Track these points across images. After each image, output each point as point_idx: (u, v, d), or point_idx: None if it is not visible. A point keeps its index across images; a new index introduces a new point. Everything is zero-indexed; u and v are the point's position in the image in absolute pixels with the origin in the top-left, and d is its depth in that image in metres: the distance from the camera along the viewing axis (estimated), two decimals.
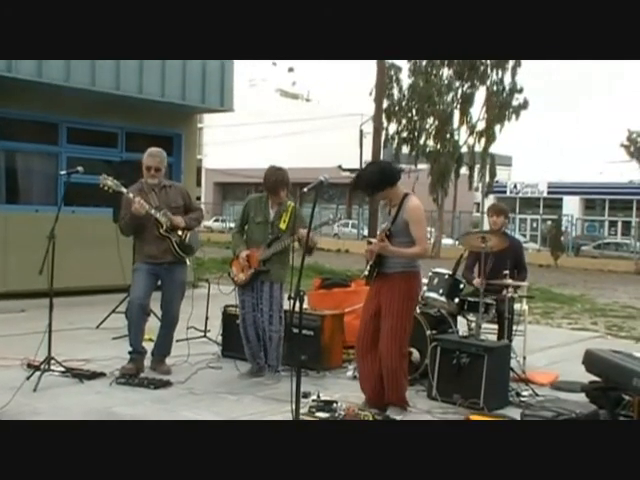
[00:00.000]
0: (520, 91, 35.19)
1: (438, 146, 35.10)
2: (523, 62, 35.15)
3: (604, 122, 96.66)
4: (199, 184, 47.71)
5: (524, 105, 35.58)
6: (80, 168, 6.63)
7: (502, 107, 35.13)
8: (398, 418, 5.52)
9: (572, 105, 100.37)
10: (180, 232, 6.63)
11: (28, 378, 5.99)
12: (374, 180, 5.63)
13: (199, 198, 50.02)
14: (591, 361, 5.85)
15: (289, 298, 4.62)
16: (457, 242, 22.76)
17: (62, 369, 6.31)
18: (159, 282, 6.71)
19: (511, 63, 34.90)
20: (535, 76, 39.83)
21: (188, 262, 6.81)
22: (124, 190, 6.47)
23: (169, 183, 6.91)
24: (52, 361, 6.24)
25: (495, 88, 35.16)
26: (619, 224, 43.31)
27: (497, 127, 35.58)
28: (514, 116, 35.57)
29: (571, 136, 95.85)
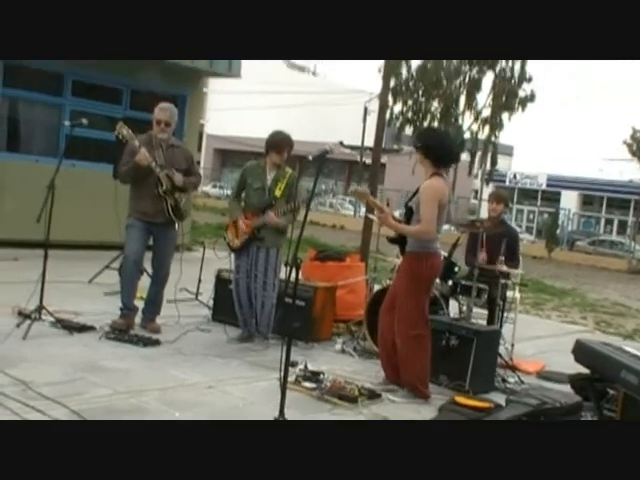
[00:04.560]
0: (529, 80, 35.03)
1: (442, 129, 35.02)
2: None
3: (605, 118, 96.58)
4: (200, 149, 47.47)
5: (531, 98, 35.46)
6: (84, 120, 6.56)
7: (509, 96, 35.01)
8: (397, 400, 5.49)
9: (577, 99, 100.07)
10: (177, 195, 6.60)
11: (18, 325, 5.99)
12: (434, 143, 5.59)
13: (199, 163, 49.76)
14: (580, 351, 5.85)
15: (286, 265, 4.61)
16: (452, 228, 22.67)
17: (52, 319, 6.31)
18: (151, 241, 6.71)
19: None
20: (543, 67, 39.62)
21: (177, 226, 6.77)
22: (136, 143, 6.38)
23: (177, 143, 6.85)
24: (43, 311, 6.24)
25: (503, 75, 35.02)
26: (615, 222, 43.43)
27: (505, 116, 35.48)
28: (520, 107, 35.47)
29: (573, 130, 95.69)
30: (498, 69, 35.14)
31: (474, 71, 35.52)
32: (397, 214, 5.82)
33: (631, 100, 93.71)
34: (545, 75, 75.65)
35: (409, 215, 5.59)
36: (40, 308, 6.21)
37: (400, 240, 5.67)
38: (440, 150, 5.57)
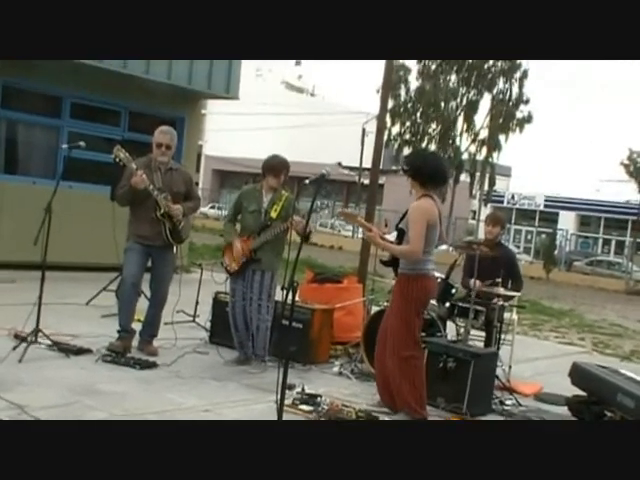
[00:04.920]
0: (526, 102, 35.25)
1: (440, 151, 35.16)
2: (530, 74, 35.21)
3: (603, 137, 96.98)
4: (198, 170, 47.54)
5: (528, 119, 35.66)
6: (82, 143, 6.63)
7: (506, 117, 35.22)
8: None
9: (573, 118, 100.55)
10: (175, 218, 6.61)
11: (14, 348, 5.96)
12: (421, 165, 5.61)
13: (197, 184, 49.79)
14: (577, 374, 5.87)
15: (282, 288, 4.61)
16: (450, 248, 22.71)
17: (49, 342, 6.29)
18: (149, 263, 6.71)
19: (518, 74, 34.98)
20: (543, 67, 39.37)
21: (175, 249, 6.79)
22: (134, 166, 6.40)
23: (176, 166, 6.88)
24: (39, 334, 6.23)
25: (501, 97, 35.26)
26: (613, 242, 43.46)
27: (502, 137, 35.68)
28: (518, 129, 35.66)
29: (569, 151, 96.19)
30: (495, 91, 35.36)
31: (472, 93, 35.72)
32: (392, 236, 5.84)
33: (631, 100, 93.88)
34: (544, 75, 75.77)
35: (401, 237, 5.62)
36: (37, 331, 6.20)
37: (394, 263, 5.70)
38: (427, 171, 5.60)
